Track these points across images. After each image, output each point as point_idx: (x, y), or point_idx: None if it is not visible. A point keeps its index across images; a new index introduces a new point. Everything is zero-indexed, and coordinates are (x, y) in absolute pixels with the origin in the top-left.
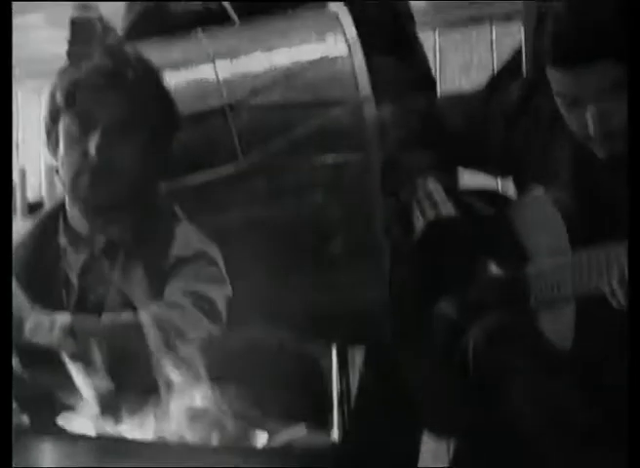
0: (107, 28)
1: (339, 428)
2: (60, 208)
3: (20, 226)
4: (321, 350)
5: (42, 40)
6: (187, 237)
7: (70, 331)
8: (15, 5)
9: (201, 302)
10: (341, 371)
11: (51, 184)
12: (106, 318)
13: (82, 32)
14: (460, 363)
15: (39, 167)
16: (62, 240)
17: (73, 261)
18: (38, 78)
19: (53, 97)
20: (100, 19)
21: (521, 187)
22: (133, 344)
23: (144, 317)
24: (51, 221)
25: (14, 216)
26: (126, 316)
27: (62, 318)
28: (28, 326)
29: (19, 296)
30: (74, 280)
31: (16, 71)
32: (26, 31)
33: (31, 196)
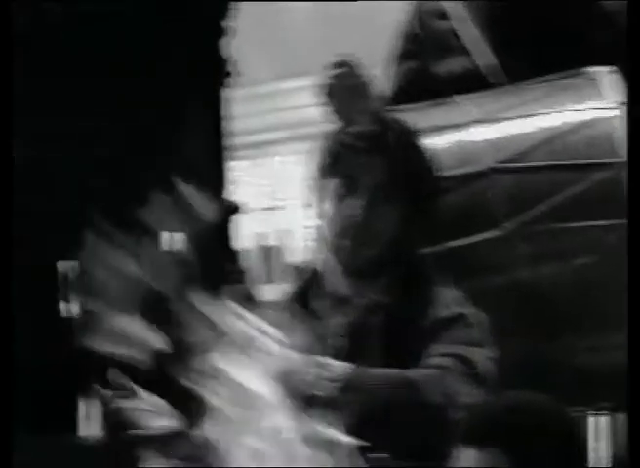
0: (367, 88)
1: None
2: (315, 271)
3: (278, 290)
4: (583, 414)
5: (307, 104)
6: (447, 300)
7: (347, 383)
8: (281, 70)
9: (462, 365)
10: (601, 438)
11: (313, 246)
12: (377, 373)
13: (341, 92)
14: None
15: (300, 229)
16: (318, 304)
17: (333, 325)
18: (302, 141)
19: (320, 159)
20: (359, 76)
21: None
22: (406, 401)
23: (416, 374)
24: (306, 285)
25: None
26: (397, 373)
27: (341, 366)
28: (302, 377)
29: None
30: (335, 344)
31: (279, 134)
32: (292, 95)
33: (295, 258)
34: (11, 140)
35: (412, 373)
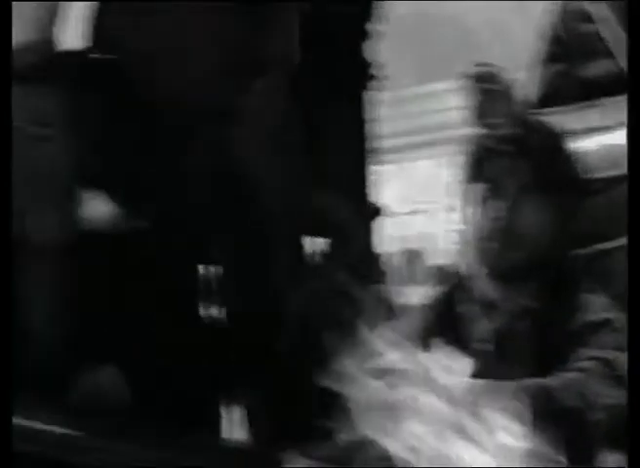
0: (509, 91)
1: None
2: (460, 275)
3: (421, 293)
4: None
5: (450, 107)
6: (594, 304)
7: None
8: (425, 73)
9: (604, 368)
10: None
11: (456, 250)
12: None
13: (484, 96)
14: None
15: (442, 232)
16: (464, 308)
17: (479, 330)
18: (445, 144)
19: (464, 163)
20: (501, 79)
21: None
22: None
23: (554, 381)
24: (452, 289)
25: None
26: (538, 381)
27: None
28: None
29: None
30: (480, 349)
31: (423, 138)
32: (436, 98)
33: (437, 261)
34: (11, 140)
35: (549, 381)
